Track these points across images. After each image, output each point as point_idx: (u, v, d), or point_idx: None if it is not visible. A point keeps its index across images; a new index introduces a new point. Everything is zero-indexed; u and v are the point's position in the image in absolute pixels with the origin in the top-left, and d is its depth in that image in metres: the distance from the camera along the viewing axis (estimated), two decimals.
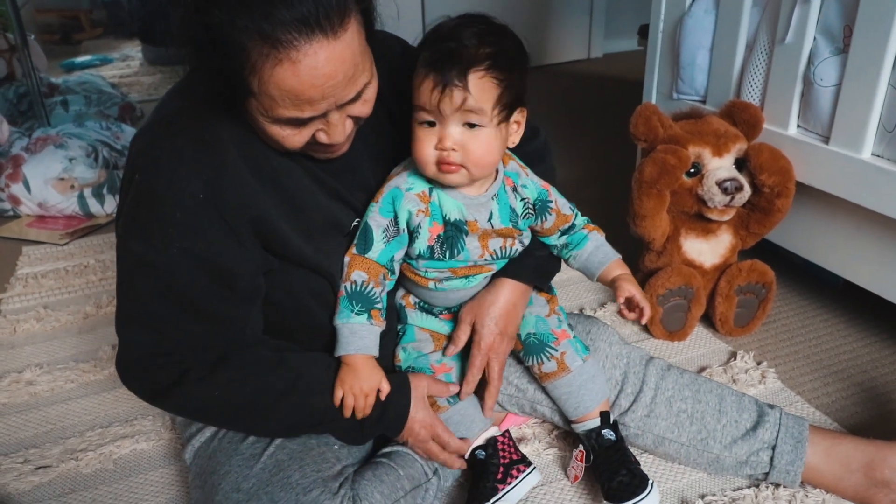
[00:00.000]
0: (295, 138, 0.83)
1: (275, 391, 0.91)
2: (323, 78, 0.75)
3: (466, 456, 1.04)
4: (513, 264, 1.06)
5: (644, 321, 1.02)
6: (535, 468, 1.03)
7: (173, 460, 1.19)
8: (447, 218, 0.97)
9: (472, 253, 0.99)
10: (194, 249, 0.83)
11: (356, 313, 0.94)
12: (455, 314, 1.08)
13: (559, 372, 1.05)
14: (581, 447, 1.05)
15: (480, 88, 0.88)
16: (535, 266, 1.08)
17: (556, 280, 1.67)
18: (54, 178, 2.09)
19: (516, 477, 1.01)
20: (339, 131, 0.84)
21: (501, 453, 1.03)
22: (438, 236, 0.97)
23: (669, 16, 1.68)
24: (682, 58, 1.62)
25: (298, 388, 0.92)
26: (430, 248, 0.97)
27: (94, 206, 2.11)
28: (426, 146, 0.91)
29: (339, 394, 0.93)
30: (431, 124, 0.90)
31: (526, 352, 1.08)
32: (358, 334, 0.94)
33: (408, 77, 0.91)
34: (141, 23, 4.11)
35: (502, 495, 0.99)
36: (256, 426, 0.95)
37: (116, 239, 0.90)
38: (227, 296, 0.87)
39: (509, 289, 1.05)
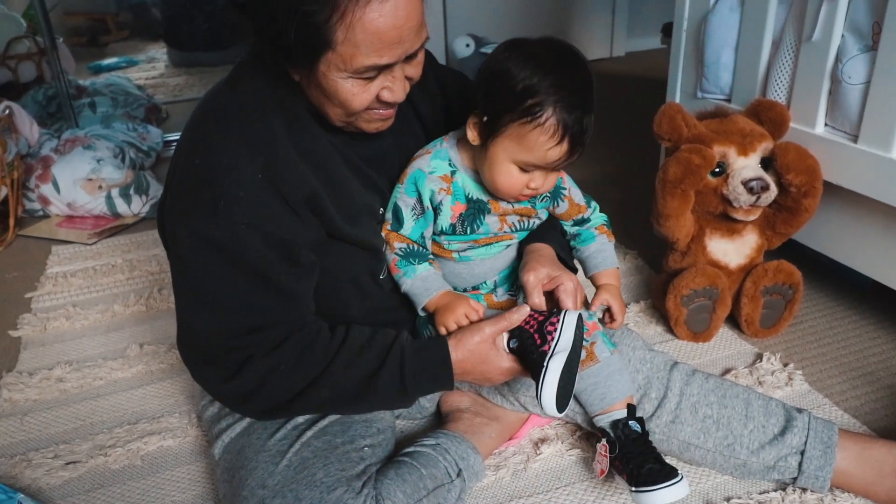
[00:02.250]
0: (362, 96, 0.88)
1: (325, 358, 0.94)
2: (403, 19, 0.82)
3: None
4: (538, 235, 1.12)
5: (614, 327, 1.10)
6: (571, 310, 0.98)
7: (199, 457, 1.21)
8: (469, 196, 1.02)
9: (492, 227, 1.05)
10: (261, 226, 0.87)
11: (418, 264, 1.02)
12: (476, 290, 1.10)
13: (587, 361, 1.05)
14: (605, 441, 1.03)
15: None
16: (558, 238, 1.15)
17: (581, 281, 1.67)
18: (83, 179, 2.12)
19: (554, 330, 0.95)
20: (401, 87, 0.90)
21: (528, 325, 0.98)
22: (461, 214, 1.02)
23: (694, 13, 1.66)
24: (706, 56, 1.61)
25: (343, 352, 0.95)
26: (453, 226, 1.03)
27: (121, 206, 2.15)
28: (519, 184, 0.97)
29: (443, 331, 1.00)
30: (532, 168, 0.96)
31: None
32: (428, 280, 1.02)
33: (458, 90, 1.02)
34: (166, 25, 4.16)
35: (552, 352, 0.93)
36: (310, 398, 0.96)
37: (168, 226, 0.92)
38: (294, 270, 0.91)
39: (547, 247, 1.10)
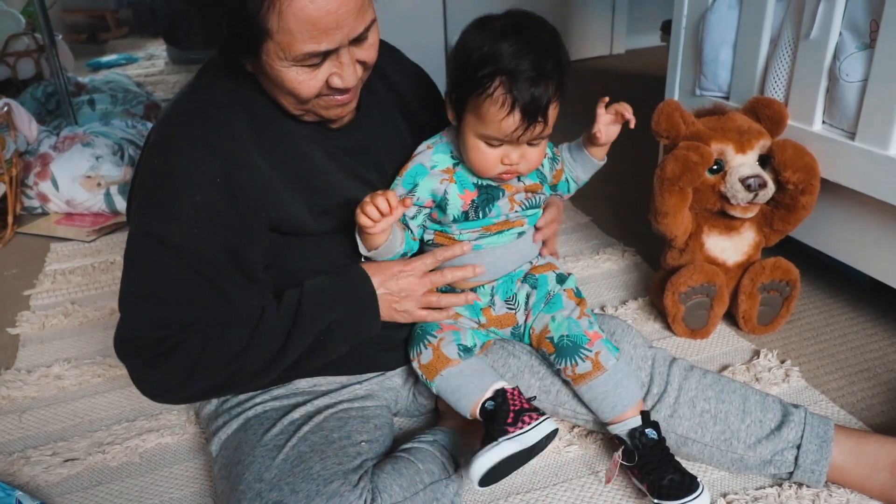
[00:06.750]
0: (310, 84, 0.87)
1: (249, 323, 0.94)
2: (337, 4, 0.81)
3: (477, 411, 1.00)
4: None
5: (629, 116, 1.05)
6: (549, 418, 0.96)
7: (197, 454, 1.21)
8: (480, 183, 1.02)
9: (503, 208, 1.04)
10: (214, 231, 0.88)
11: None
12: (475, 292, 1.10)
13: (594, 371, 1.04)
14: (621, 451, 1.03)
15: (553, 115, 0.95)
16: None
17: (579, 277, 1.67)
18: (81, 176, 2.12)
19: (528, 423, 0.94)
20: (351, 72, 0.88)
21: (511, 402, 0.98)
22: (473, 201, 1.02)
23: (693, 11, 1.66)
24: (705, 54, 1.61)
25: (265, 311, 0.95)
26: (465, 213, 1.02)
27: (119, 203, 2.14)
28: (491, 160, 0.97)
29: (362, 219, 0.92)
30: (498, 143, 0.95)
31: (559, 354, 1.07)
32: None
33: (429, 88, 0.99)
34: (165, 23, 4.16)
35: (513, 436, 0.93)
36: (248, 367, 0.95)
37: (130, 220, 0.93)
38: (237, 279, 0.92)
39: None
